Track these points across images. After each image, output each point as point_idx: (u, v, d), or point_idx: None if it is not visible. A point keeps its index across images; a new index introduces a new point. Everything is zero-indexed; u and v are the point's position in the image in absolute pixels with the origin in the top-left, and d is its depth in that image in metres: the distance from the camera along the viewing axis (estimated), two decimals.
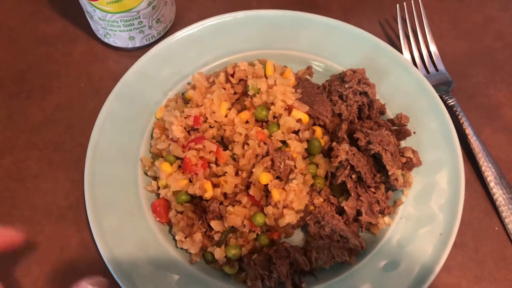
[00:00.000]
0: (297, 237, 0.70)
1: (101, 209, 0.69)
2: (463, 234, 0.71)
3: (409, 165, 0.70)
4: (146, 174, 0.73)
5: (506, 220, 0.71)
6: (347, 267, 0.66)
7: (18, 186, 0.76)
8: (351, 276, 0.65)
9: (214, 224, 0.67)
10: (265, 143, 0.69)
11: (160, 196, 0.70)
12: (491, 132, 0.79)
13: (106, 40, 0.85)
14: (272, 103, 0.72)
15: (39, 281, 0.69)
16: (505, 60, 0.86)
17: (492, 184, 0.73)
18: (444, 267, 0.66)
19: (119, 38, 0.83)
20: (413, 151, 0.70)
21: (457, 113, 0.78)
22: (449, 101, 0.79)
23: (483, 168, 0.74)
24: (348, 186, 0.68)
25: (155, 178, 0.72)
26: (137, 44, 0.85)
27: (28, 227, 0.73)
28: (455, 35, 0.89)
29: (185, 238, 0.67)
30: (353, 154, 0.67)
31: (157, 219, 0.70)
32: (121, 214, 0.69)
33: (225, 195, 0.69)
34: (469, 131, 0.76)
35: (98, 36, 0.86)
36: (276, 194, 0.66)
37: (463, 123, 0.77)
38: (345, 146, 0.68)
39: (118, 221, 0.68)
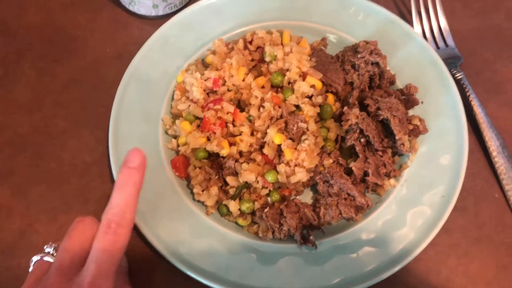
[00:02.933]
0: (307, 197, 0.75)
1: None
2: (464, 199, 0.75)
3: (415, 132, 0.74)
4: (167, 133, 0.78)
5: (506, 188, 0.75)
6: (353, 224, 0.70)
7: (45, 141, 0.81)
8: (355, 232, 0.70)
9: (230, 179, 0.71)
10: (279, 107, 0.73)
11: (180, 153, 0.75)
12: (496, 106, 0.82)
13: (130, 8, 0.89)
14: (288, 70, 0.76)
15: (64, 229, 0.74)
16: None
17: (494, 154, 0.76)
18: (445, 228, 0.70)
19: (143, 6, 0.87)
20: (420, 119, 0.74)
21: (464, 86, 0.81)
22: (457, 75, 0.82)
23: (486, 138, 0.77)
24: (357, 148, 0.72)
25: (175, 137, 0.77)
26: (160, 13, 0.89)
27: (54, 178, 0.78)
28: (466, 13, 0.92)
29: (202, 191, 0.71)
30: (363, 118, 0.71)
31: (176, 174, 0.74)
32: None
33: (240, 153, 0.73)
34: (475, 103, 0.79)
35: (123, 4, 0.90)
36: (288, 153, 0.70)
37: (469, 95, 0.80)
38: (356, 110, 0.72)
39: None
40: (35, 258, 0.61)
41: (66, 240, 0.57)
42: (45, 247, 0.62)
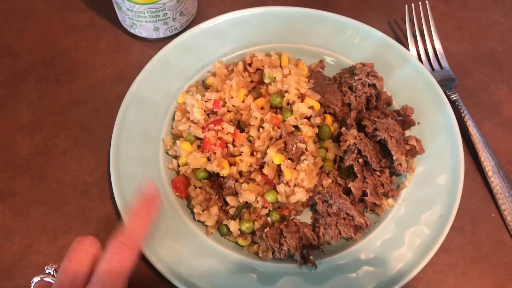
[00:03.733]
0: (306, 216, 0.75)
1: (124, 184, 0.74)
2: (461, 218, 0.76)
3: (412, 152, 0.75)
4: (167, 153, 0.79)
5: (503, 207, 0.76)
6: (352, 243, 0.71)
7: (46, 162, 0.82)
8: (354, 251, 0.70)
9: (230, 199, 0.72)
10: (278, 127, 0.75)
11: (180, 173, 0.76)
12: (491, 127, 0.84)
13: (132, 31, 0.91)
14: (286, 91, 0.78)
15: (65, 249, 0.74)
16: (506, 62, 0.92)
17: (490, 174, 0.77)
18: (443, 248, 0.71)
19: (144, 28, 0.89)
20: (417, 140, 0.76)
21: (459, 107, 0.83)
22: (452, 96, 0.84)
23: (482, 158, 0.79)
24: (355, 169, 0.73)
25: (176, 157, 0.78)
26: (161, 35, 0.91)
27: (54, 199, 0.78)
28: (459, 36, 0.95)
29: (203, 211, 0.72)
30: (361, 139, 0.73)
31: (177, 194, 0.75)
32: None
33: (240, 173, 0.74)
34: (470, 124, 0.81)
35: (125, 26, 0.92)
36: (288, 173, 0.71)
37: (464, 116, 0.82)
38: (354, 131, 0.73)
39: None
40: (36, 279, 0.61)
41: (66, 261, 0.57)
42: (45, 267, 0.62)
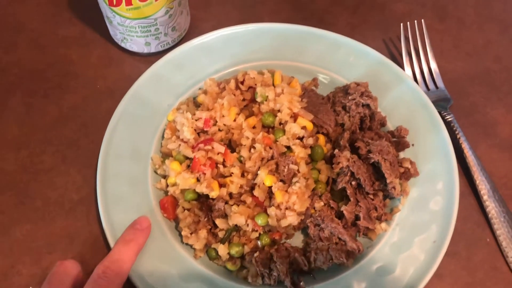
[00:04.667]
0: (297, 240, 0.74)
1: (111, 203, 0.72)
2: (456, 243, 0.74)
3: (406, 175, 0.74)
4: (156, 173, 0.77)
5: (498, 232, 0.74)
6: (344, 269, 0.69)
7: (31, 179, 0.80)
8: (347, 277, 0.68)
9: (219, 222, 0.70)
10: (270, 148, 0.73)
11: (168, 194, 0.74)
12: (486, 148, 0.83)
13: (123, 45, 0.90)
14: (279, 110, 0.76)
15: (49, 271, 0.72)
16: (502, 81, 0.91)
17: (485, 197, 0.76)
18: (436, 274, 0.69)
19: (135, 43, 0.87)
20: (411, 162, 0.74)
21: (454, 128, 0.81)
22: (447, 117, 0.83)
23: (477, 181, 0.77)
24: (348, 192, 0.71)
25: (164, 177, 0.76)
26: (152, 50, 0.89)
27: (40, 217, 0.76)
28: (455, 55, 0.94)
29: (191, 234, 0.70)
30: (354, 161, 0.71)
31: (165, 215, 0.73)
32: (130, 209, 0.72)
33: (230, 195, 0.72)
34: (465, 145, 0.79)
35: (116, 40, 0.91)
36: (279, 196, 0.69)
37: (459, 138, 0.80)
38: (347, 153, 0.71)
39: (127, 216, 0.71)
40: None
41: (46, 284, 0.56)
42: None
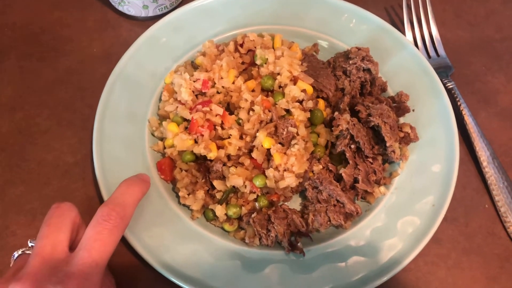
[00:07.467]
0: (295, 203, 0.73)
1: (107, 165, 0.71)
2: (454, 209, 0.74)
3: (406, 139, 0.73)
4: (153, 135, 0.76)
5: (496, 198, 0.74)
6: (341, 232, 0.69)
7: (27, 141, 0.79)
8: (343, 240, 0.68)
9: (217, 183, 0.69)
10: (269, 111, 0.72)
11: (166, 155, 0.73)
12: (487, 116, 0.82)
13: (120, 8, 0.88)
14: (278, 74, 0.75)
15: None
16: (503, 51, 0.89)
17: (485, 164, 0.76)
18: (435, 238, 0.69)
19: (133, 6, 0.85)
20: (411, 127, 0.73)
21: (455, 95, 0.81)
22: (448, 85, 0.82)
23: (477, 148, 0.76)
24: (347, 155, 0.70)
25: (161, 139, 0.75)
26: (150, 14, 0.87)
27: (34, 179, 0.75)
28: (457, 24, 0.92)
29: (188, 195, 0.69)
30: (354, 124, 0.70)
31: (162, 177, 0.72)
32: (127, 171, 0.71)
33: (228, 156, 0.71)
34: (465, 112, 0.79)
35: (113, 3, 0.89)
36: (277, 158, 0.68)
37: (460, 105, 0.80)
38: (347, 116, 0.70)
39: (123, 177, 0.70)
40: (17, 253, 0.58)
41: (45, 227, 0.54)
42: (28, 241, 0.59)
